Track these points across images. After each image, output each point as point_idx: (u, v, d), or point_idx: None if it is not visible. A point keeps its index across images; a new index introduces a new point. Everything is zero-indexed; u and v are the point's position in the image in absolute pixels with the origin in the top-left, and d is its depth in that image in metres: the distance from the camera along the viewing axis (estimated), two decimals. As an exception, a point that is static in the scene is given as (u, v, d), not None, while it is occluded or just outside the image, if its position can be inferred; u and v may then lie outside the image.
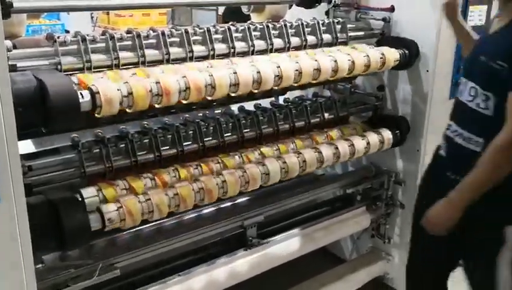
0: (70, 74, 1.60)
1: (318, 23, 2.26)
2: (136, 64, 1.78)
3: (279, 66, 1.91)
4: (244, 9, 2.40)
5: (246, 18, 2.36)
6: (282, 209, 2.27)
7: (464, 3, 2.32)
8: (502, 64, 1.64)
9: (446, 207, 1.73)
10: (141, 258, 1.84)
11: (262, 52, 2.08)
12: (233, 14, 3.02)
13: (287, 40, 2.15)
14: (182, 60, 1.88)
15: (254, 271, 2.11)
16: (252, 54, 2.05)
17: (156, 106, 1.67)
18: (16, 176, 1.27)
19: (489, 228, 1.77)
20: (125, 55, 1.76)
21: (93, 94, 1.50)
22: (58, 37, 1.66)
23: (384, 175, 2.62)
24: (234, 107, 2.21)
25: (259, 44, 2.08)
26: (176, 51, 1.87)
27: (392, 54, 2.29)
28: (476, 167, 1.66)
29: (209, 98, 1.79)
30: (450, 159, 1.89)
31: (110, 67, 1.72)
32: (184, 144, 1.92)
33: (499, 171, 1.63)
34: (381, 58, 2.24)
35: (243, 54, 2.03)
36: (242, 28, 2.05)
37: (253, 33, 2.07)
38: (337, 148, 2.21)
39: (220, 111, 2.17)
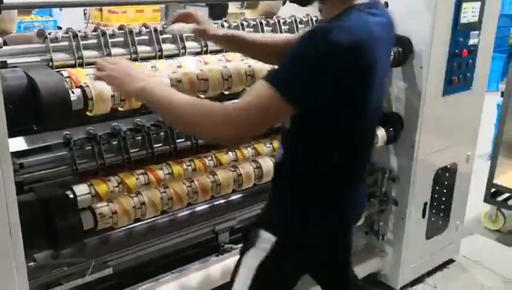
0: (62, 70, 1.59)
1: (311, 19, 2.25)
2: (128, 61, 1.77)
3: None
4: (237, 5, 2.39)
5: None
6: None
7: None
8: None
9: (130, 80, 1.37)
10: (134, 256, 1.84)
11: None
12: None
13: (280, 36, 2.15)
14: (175, 56, 1.87)
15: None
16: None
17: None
18: (7, 174, 1.26)
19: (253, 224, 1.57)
20: (118, 52, 1.75)
21: (85, 92, 1.49)
22: (50, 34, 1.65)
23: (378, 172, 2.62)
24: (228, 104, 2.20)
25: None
26: (168, 47, 1.86)
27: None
28: (179, 96, 1.36)
29: (202, 95, 1.78)
30: None
31: (102, 63, 1.71)
32: (177, 141, 1.91)
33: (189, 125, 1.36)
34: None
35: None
36: (235, 24, 2.04)
37: (247, 29, 2.06)
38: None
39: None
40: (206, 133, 1.38)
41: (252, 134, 1.24)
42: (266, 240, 1.47)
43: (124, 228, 1.85)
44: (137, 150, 1.83)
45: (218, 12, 2.25)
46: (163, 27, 1.82)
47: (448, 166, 2.72)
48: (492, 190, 3.38)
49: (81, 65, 1.66)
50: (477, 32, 2.49)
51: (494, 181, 3.37)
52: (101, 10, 6.72)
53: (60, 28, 5.08)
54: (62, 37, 1.66)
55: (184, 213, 2.06)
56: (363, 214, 1.80)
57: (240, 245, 1.75)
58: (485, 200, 3.40)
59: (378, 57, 1.35)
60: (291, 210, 1.50)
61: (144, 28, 1.82)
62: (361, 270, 2.69)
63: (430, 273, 2.88)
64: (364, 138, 1.52)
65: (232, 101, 1.30)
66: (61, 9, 5.29)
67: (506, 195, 3.46)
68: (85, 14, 6.66)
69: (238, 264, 1.54)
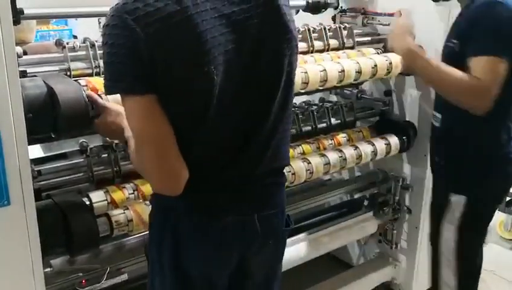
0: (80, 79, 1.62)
1: (325, 28, 2.26)
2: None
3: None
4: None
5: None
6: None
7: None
8: (454, 41, 1.85)
9: (411, 55, 1.99)
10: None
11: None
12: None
13: (293, 45, 2.16)
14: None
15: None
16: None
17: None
18: (26, 181, 1.28)
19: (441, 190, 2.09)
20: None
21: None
22: (68, 43, 1.68)
23: (391, 180, 2.61)
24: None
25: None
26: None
27: (399, 60, 2.28)
28: (448, 71, 1.81)
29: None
30: (431, 143, 2.19)
31: (118, 72, 1.73)
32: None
33: (453, 96, 1.85)
34: (388, 62, 2.24)
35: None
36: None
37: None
38: (343, 154, 2.21)
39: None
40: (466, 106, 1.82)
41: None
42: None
43: (140, 235, 1.87)
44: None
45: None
46: None
47: (462, 174, 2.70)
48: (508, 198, 3.35)
49: (98, 74, 1.69)
50: (491, 41, 2.50)
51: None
52: (115, 19, 6.80)
53: (75, 36, 5.15)
54: (80, 46, 1.69)
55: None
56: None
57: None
58: (500, 209, 3.37)
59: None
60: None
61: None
62: (374, 279, 2.68)
63: (444, 282, 2.85)
64: None
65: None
66: (76, 19, 5.36)
67: (522, 204, 3.42)
68: (99, 23, 6.75)
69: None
